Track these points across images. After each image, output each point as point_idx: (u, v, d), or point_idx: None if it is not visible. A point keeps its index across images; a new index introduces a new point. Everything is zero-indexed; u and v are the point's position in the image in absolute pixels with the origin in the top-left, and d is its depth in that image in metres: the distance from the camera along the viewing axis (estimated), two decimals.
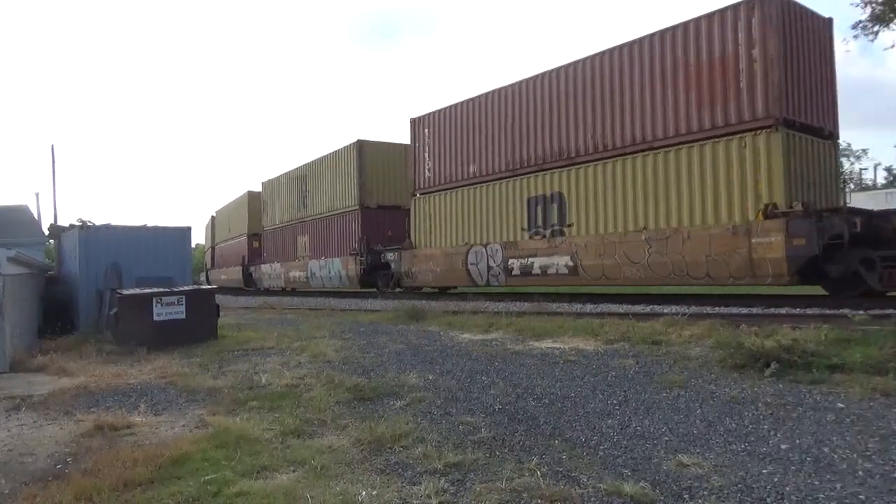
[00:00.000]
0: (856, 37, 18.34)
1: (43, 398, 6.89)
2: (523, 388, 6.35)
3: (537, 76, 15.25)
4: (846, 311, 8.82)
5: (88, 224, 14.11)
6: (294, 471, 4.14)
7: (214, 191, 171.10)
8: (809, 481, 3.61)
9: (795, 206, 10.64)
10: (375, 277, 21.09)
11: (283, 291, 28.63)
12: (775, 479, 3.66)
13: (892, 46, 23.38)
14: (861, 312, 8.28)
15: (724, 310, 10.65)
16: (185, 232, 14.91)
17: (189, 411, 6.07)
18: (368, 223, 21.77)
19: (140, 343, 10.15)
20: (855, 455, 3.99)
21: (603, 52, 13.72)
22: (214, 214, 41.52)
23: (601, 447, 4.43)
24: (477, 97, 17.02)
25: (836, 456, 4.00)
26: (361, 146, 22.10)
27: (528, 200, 15.24)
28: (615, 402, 5.66)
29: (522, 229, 15.38)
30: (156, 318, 10.76)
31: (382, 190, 22.22)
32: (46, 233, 21.93)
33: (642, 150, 12.83)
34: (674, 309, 10.86)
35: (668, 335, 8.59)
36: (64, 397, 6.84)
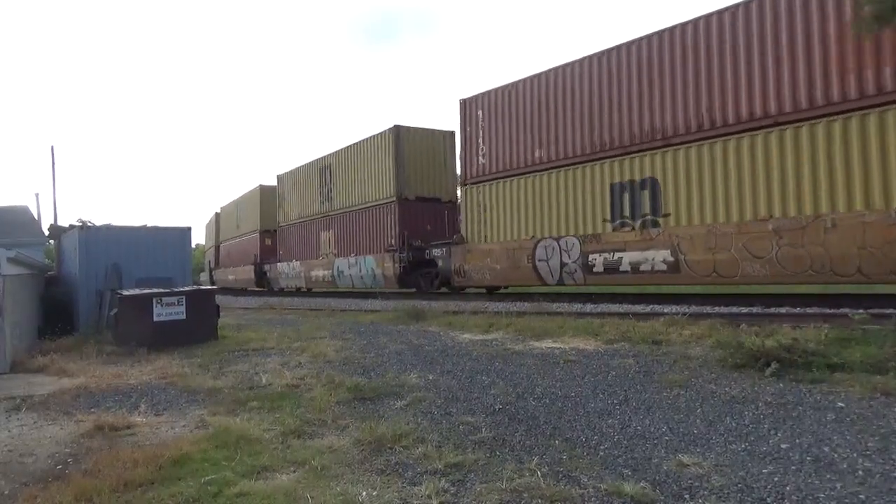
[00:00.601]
0: None
1: (43, 399, 6.89)
2: (524, 388, 6.35)
3: (623, 45, 13.19)
4: (846, 310, 8.82)
5: (88, 224, 14.13)
6: (294, 471, 4.14)
7: (214, 191, 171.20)
8: (810, 481, 3.61)
9: None
10: (416, 276, 19.16)
11: (301, 292, 27.08)
12: (776, 479, 3.66)
13: None
14: (861, 312, 8.28)
15: (724, 309, 10.65)
16: (185, 232, 14.91)
17: (189, 412, 6.07)
18: (406, 217, 19.71)
19: (140, 343, 10.16)
20: (855, 454, 3.99)
21: (710, 15, 11.75)
22: (219, 211, 39.70)
23: (601, 447, 4.43)
24: (544, 73, 14.90)
25: (836, 455, 4.00)
26: (398, 132, 19.96)
27: (612, 187, 13.23)
28: (615, 401, 5.67)
29: (605, 220, 13.34)
30: (156, 318, 10.77)
31: (421, 180, 20.25)
32: (46, 233, 21.92)
33: (765, 127, 10.82)
34: (674, 309, 10.86)
35: (669, 335, 8.61)
36: (64, 398, 6.85)
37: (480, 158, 16.63)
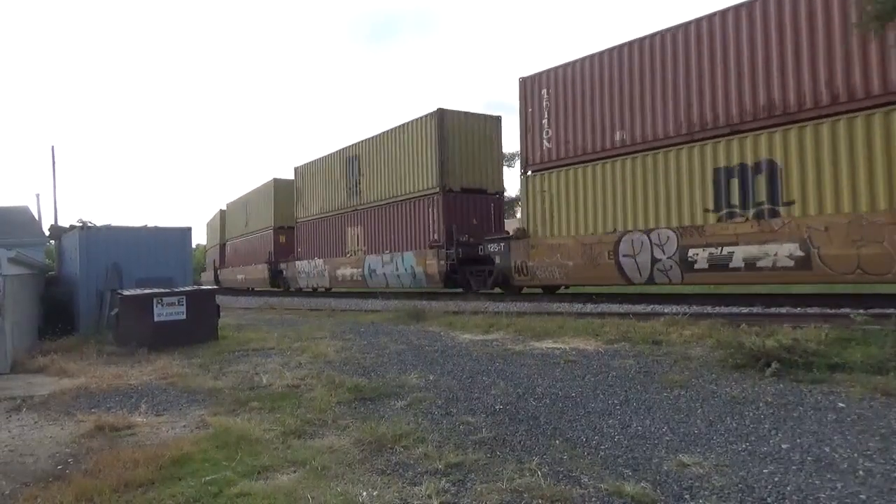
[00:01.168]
0: None
1: (44, 399, 6.89)
2: (524, 389, 6.35)
3: (732, 8, 11.39)
4: (847, 310, 8.81)
5: (89, 225, 14.14)
6: (295, 471, 4.14)
7: (214, 191, 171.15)
8: (810, 481, 3.61)
9: None
10: (465, 274, 17.32)
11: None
12: (776, 479, 3.66)
13: None
14: (862, 312, 8.27)
15: (724, 309, 10.65)
16: (186, 232, 14.92)
17: (190, 412, 6.07)
18: (450, 209, 17.89)
19: (140, 344, 10.17)
20: (856, 454, 3.99)
21: None
22: (224, 208, 37.84)
23: (602, 447, 4.43)
24: (626, 44, 13.18)
25: (836, 455, 4.00)
26: (442, 116, 18.11)
27: (716, 172, 11.52)
28: (616, 402, 5.67)
29: (706, 210, 11.63)
30: (156, 318, 10.77)
31: (466, 170, 18.45)
32: (47, 233, 21.92)
33: None
34: (674, 309, 10.85)
35: (669, 335, 8.61)
36: (65, 398, 6.85)
37: (545, 143, 14.73)
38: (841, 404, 5.11)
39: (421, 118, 18.87)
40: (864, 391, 5.34)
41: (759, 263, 10.82)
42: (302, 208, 26.52)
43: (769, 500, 3.39)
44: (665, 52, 12.47)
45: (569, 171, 14.23)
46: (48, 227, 20.65)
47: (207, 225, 44.64)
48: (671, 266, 12.13)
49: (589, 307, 12.83)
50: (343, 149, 23.43)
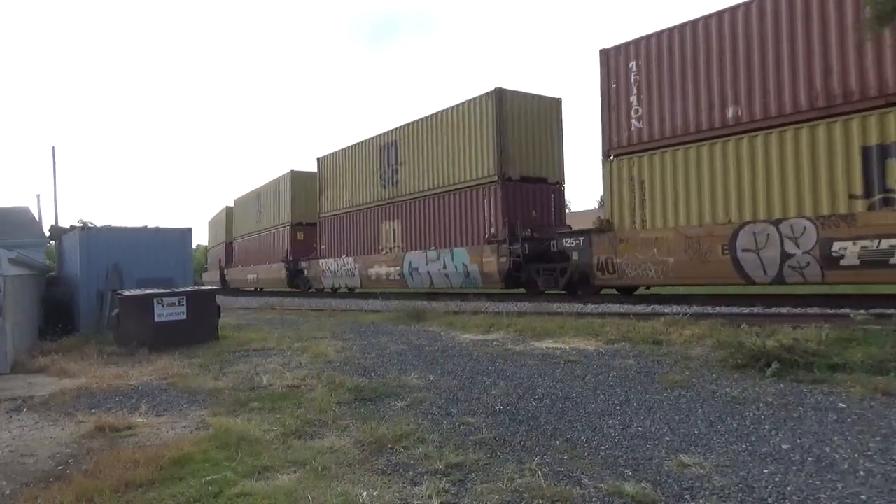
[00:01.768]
0: None
1: (44, 399, 6.89)
2: (524, 389, 6.35)
3: None
4: (847, 310, 8.81)
5: (89, 225, 14.15)
6: (295, 471, 4.14)
7: (214, 191, 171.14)
8: (811, 481, 3.61)
9: None
10: (531, 273, 15.52)
11: (351, 293, 23.95)
12: (776, 479, 3.66)
13: None
14: (862, 312, 8.27)
15: (724, 309, 10.65)
16: (186, 233, 14.93)
17: (190, 412, 6.07)
18: (510, 200, 16.19)
19: (141, 344, 10.17)
20: (856, 455, 3.99)
21: None
22: (231, 204, 36.47)
23: (602, 447, 4.43)
24: (739, 5, 11.33)
25: (837, 456, 3.99)
26: (501, 96, 16.34)
27: (865, 152, 9.78)
28: (616, 402, 5.66)
29: (852, 196, 9.87)
30: (157, 319, 10.78)
31: (526, 156, 16.68)
32: (47, 234, 21.93)
33: None
34: (675, 309, 10.85)
35: (669, 335, 8.61)
36: (65, 398, 6.85)
37: (634, 122, 13.03)
38: (841, 404, 5.10)
39: (476, 98, 17.05)
40: (865, 391, 5.34)
41: None
42: (326, 202, 24.63)
43: (769, 500, 3.39)
44: (794, 11, 10.58)
45: (665, 153, 12.42)
46: (48, 227, 20.67)
47: (210, 223, 43.76)
48: (808, 262, 10.28)
49: (589, 307, 12.82)
50: (377, 136, 21.54)
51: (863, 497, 3.36)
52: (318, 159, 25.39)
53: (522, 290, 16.13)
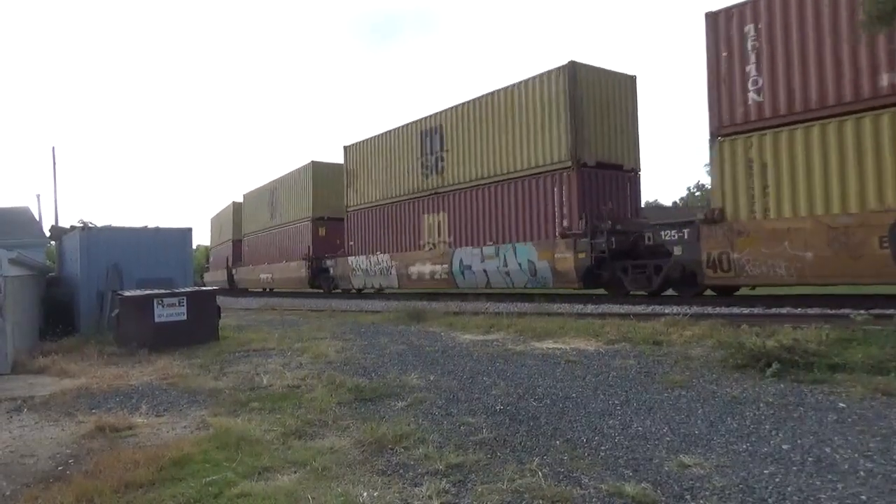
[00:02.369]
0: None
1: (44, 399, 6.89)
2: (525, 389, 6.35)
3: None
4: (847, 310, 8.81)
5: (89, 225, 14.16)
6: (295, 472, 4.14)
7: (214, 192, 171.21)
8: (811, 481, 3.61)
9: None
10: (616, 271, 13.72)
11: (380, 293, 22.26)
12: (777, 480, 3.66)
13: None
14: (862, 312, 8.27)
15: (725, 310, 10.64)
16: (186, 233, 14.94)
17: (190, 412, 6.07)
18: (586, 189, 14.46)
19: (141, 344, 10.18)
20: (856, 455, 3.99)
21: None
22: (239, 200, 34.50)
23: (602, 447, 4.43)
24: None
25: (837, 456, 3.99)
26: (575, 71, 14.54)
27: None
28: (616, 402, 5.66)
29: None
30: (157, 319, 10.78)
31: (601, 140, 14.91)
32: (47, 234, 21.94)
33: None
34: (675, 309, 10.85)
35: (670, 335, 8.61)
36: (65, 398, 6.85)
37: (753, 96, 11.22)
38: (842, 404, 5.10)
39: (545, 73, 15.16)
40: (865, 391, 5.34)
41: None
42: (355, 194, 22.60)
43: (770, 500, 3.39)
44: None
45: (796, 131, 10.60)
46: (49, 227, 20.68)
47: (213, 220, 42.23)
48: None
49: (590, 308, 12.82)
50: (416, 121, 19.57)
51: (863, 497, 3.35)
52: (345, 148, 23.28)
53: (602, 291, 14.49)
